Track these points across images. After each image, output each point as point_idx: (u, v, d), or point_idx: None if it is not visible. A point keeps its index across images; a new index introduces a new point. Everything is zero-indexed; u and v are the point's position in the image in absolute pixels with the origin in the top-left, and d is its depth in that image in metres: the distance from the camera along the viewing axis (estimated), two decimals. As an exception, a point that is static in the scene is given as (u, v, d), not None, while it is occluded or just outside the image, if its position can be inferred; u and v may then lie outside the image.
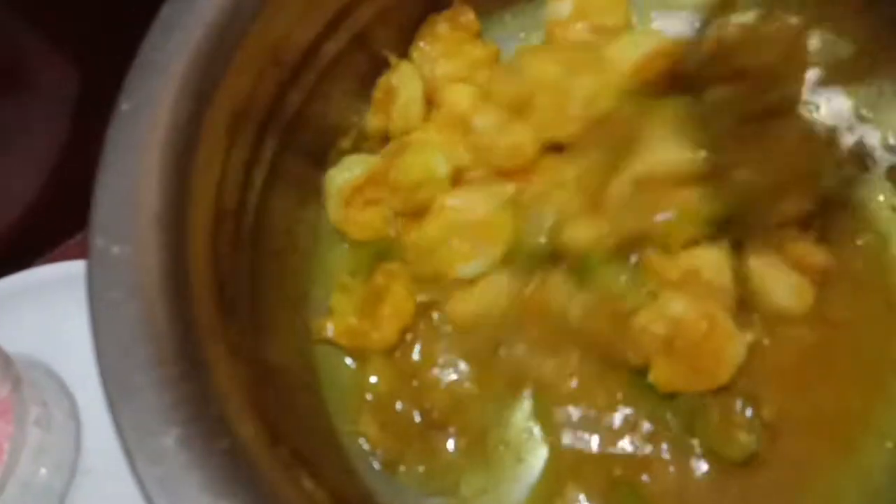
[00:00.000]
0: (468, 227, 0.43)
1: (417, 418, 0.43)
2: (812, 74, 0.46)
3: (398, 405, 0.43)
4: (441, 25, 0.49)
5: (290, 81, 0.42)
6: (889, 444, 0.41)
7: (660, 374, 0.40)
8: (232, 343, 0.36)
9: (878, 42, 0.46)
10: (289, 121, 0.44)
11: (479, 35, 0.50)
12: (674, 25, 0.51)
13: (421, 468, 0.42)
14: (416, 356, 0.44)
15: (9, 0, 0.43)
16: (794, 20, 0.43)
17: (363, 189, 0.45)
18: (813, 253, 0.43)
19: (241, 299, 0.39)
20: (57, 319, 0.49)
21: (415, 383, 0.43)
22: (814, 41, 0.46)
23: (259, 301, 0.41)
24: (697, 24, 0.45)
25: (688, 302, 0.40)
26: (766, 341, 0.42)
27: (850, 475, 0.40)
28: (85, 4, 0.47)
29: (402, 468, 0.42)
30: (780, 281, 0.42)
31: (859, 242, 0.45)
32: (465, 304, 0.43)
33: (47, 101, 0.50)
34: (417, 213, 0.45)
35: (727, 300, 0.41)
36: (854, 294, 0.44)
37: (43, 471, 0.45)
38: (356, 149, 0.48)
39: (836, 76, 0.47)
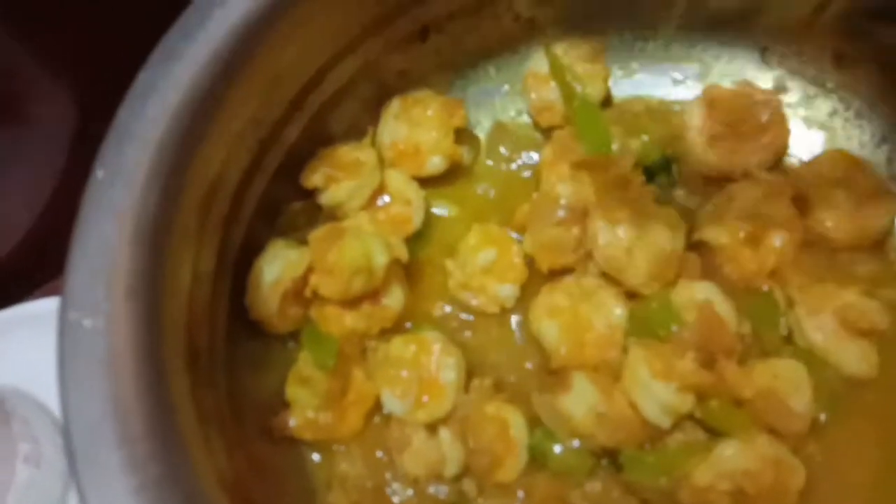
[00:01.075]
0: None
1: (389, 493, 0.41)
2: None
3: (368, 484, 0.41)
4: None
5: (268, 145, 0.43)
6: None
7: None
8: (206, 413, 0.35)
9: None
10: (264, 189, 0.43)
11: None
12: (656, 80, 0.51)
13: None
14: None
15: (7, 32, 0.43)
16: None
17: (298, 282, 0.43)
18: (874, 315, 0.42)
19: (217, 368, 0.38)
20: (49, 353, 0.47)
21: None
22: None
23: (235, 368, 0.40)
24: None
25: (743, 448, 0.39)
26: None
27: None
28: (84, 38, 0.47)
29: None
30: (846, 350, 0.42)
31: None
32: (414, 460, 0.41)
33: (44, 133, 0.49)
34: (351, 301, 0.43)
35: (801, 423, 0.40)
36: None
37: (30, 510, 0.43)
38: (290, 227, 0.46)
39: None
